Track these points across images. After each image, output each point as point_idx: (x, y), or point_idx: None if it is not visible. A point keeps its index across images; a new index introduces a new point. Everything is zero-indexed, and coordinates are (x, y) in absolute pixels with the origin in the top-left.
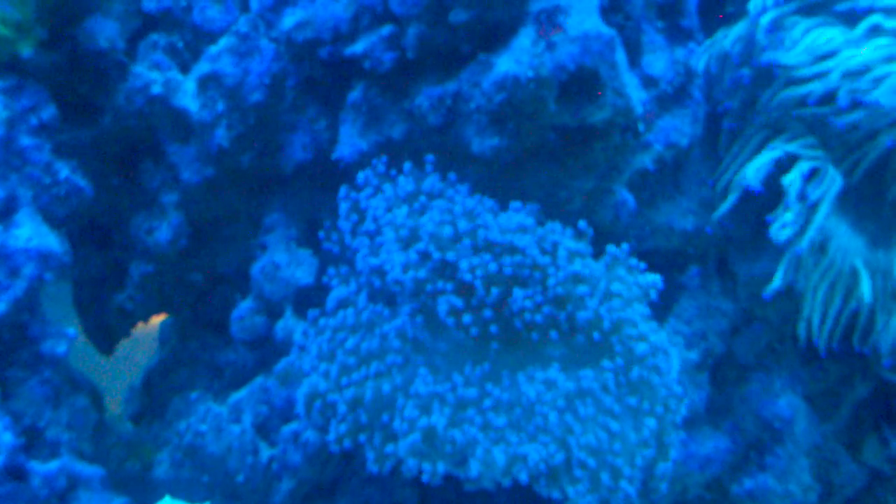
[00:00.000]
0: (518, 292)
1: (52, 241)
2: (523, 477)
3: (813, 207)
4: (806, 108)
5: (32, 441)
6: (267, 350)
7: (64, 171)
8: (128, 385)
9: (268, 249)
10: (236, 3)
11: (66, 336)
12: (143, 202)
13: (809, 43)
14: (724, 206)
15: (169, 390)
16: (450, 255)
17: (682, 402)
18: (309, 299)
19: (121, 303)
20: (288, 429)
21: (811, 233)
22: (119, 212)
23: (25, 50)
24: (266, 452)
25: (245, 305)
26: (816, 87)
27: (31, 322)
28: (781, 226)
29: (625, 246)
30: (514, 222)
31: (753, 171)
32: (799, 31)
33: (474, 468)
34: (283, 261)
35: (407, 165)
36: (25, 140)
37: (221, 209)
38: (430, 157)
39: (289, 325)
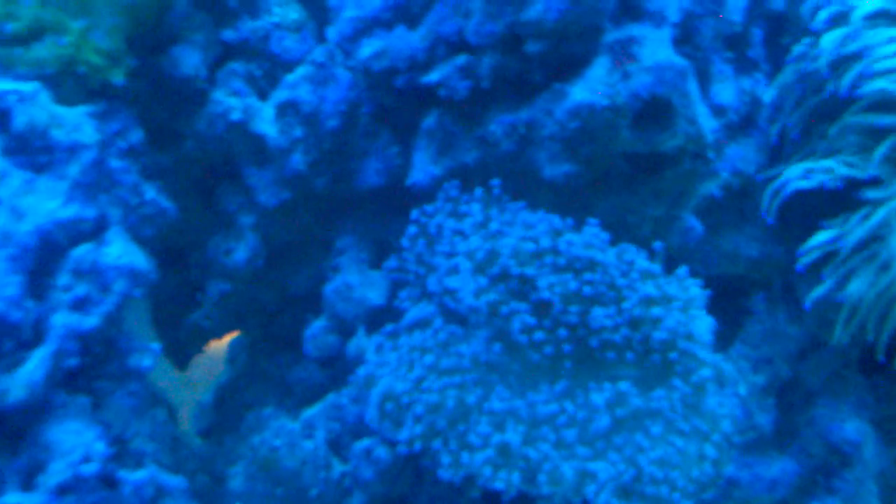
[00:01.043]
0: (598, 311)
1: (140, 258)
2: (591, 491)
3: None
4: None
5: (120, 451)
6: (337, 368)
7: (150, 192)
8: (195, 402)
9: (340, 271)
10: (312, 34)
11: (151, 350)
12: (220, 224)
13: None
14: (775, 202)
15: (241, 406)
16: (529, 271)
17: (740, 424)
18: (380, 319)
19: (197, 320)
20: (360, 445)
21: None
22: (197, 233)
23: (117, 77)
24: (338, 468)
25: (318, 324)
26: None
27: (119, 336)
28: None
29: (684, 269)
30: (595, 238)
31: (801, 170)
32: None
33: (543, 484)
34: (356, 282)
35: (478, 192)
36: (115, 162)
37: (295, 232)
38: (496, 181)
39: (361, 343)
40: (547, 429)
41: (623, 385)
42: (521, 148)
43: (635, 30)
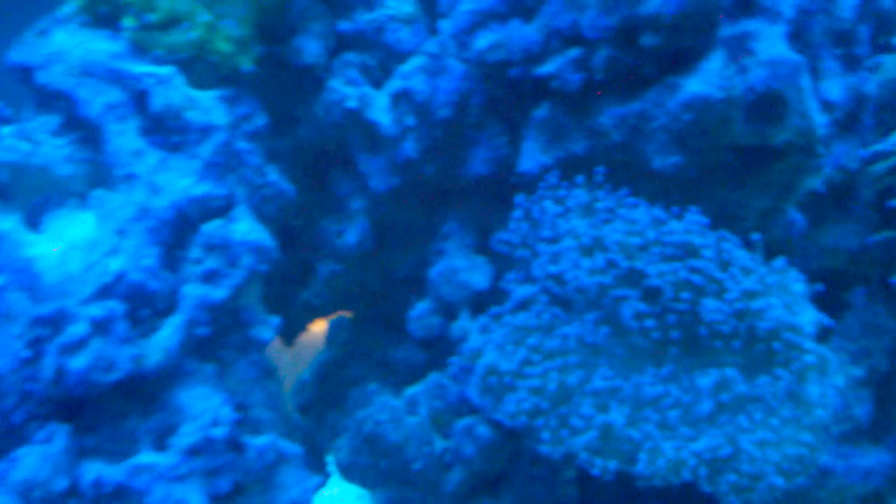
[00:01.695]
0: (708, 301)
1: (265, 236)
2: (691, 466)
3: None
4: None
5: (242, 417)
6: (438, 349)
7: (273, 174)
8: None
9: (445, 255)
10: (424, 27)
11: (271, 324)
12: (332, 207)
13: None
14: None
15: (342, 383)
16: (638, 263)
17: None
18: (483, 303)
19: (307, 299)
20: (462, 423)
21: None
22: (308, 215)
23: (245, 64)
24: (440, 444)
25: (422, 306)
26: None
27: (243, 309)
28: None
29: (782, 260)
30: (695, 226)
31: None
32: None
33: (643, 464)
34: (461, 266)
35: (580, 178)
36: (242, 144)
37: (402, 216)
38: (600, 168)
39: (464, 325)
40: (650, 410)
41: (729, 371)
42: (630, 139)
43: (750, 25)
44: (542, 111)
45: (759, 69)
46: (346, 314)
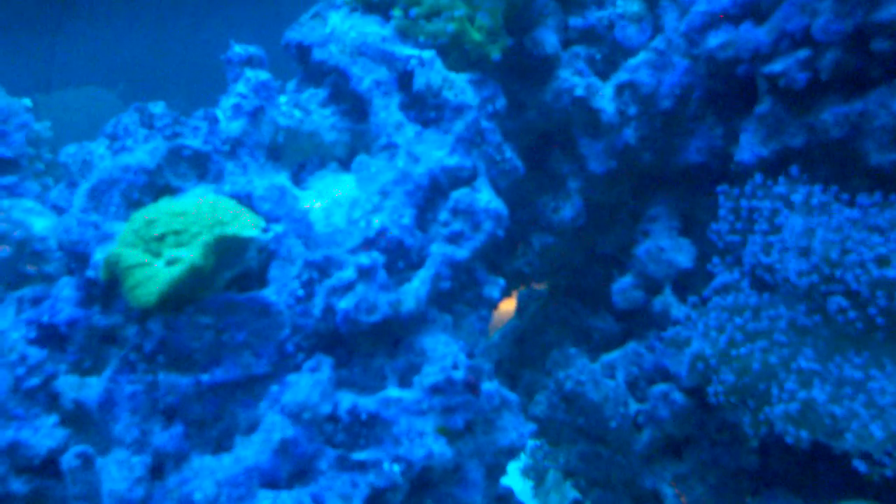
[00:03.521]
0: None
1: (502, 205)
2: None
3: None
4: None
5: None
6: (632, 321)
7: (508, 151)
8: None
9: (651, 235)
10: (650, 25)
11: (500, 284)
12: (549, 185)
13: None
14: None
15: (539, 346)
16: (838, 270)
17: None
18: (686, 281)
19: (519, 266)
20: (658, 388)
21: None
22: (527, 191)
23: (495, 53)
24: (634, 406)
25: (626, 280)
26: None
27: (477, 268)
28: None
29: None
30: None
31: None
32: None
33: (850, 440)
34: (667, 245)
35: (794, 169)
36: (485, 123)
37: (613, 197)
38: (793, 168)
39: (667, 300)
40: (852, 389)
41: None
42: (849, 136)
43: None
44: (763, 106)
45: None
46: (539, 287)
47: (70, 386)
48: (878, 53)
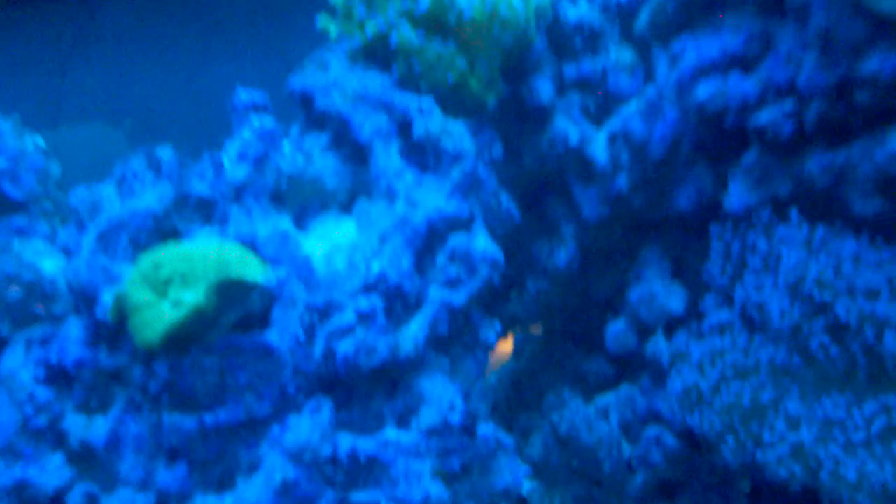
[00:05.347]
0: (889, 335)
1: (498, 251)
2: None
3: None
4: None
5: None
6: (626, 365)
7: (504, 198)
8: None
9: (643, 280)
10: (642, 74)
11: (496, 327)
12: (544, 230)
13: None
14: None
15: (535, 388)
16: (827, 296)
17: None
18: (678, 326)
19: (514, 310)
20: (651, 431)
21: None
22: (522, 236)
23: (490, 100)
24: (627, 449)
25: (619, 325)
26: None
27: (474, 312)
28: None
29: None
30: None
31: None
32: None
33: (826, 480)
34: (658, 290)
35: (793, 212)
36: (482, 170)
37: (606, 242)
38: (794, 210)
39: (659, 345)
40: (837, 430)
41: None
42: (834, 185)
43: None
44: (751, 156)
45: None
46: (535, 330)
47: (77, 425)
48: (861, 105)
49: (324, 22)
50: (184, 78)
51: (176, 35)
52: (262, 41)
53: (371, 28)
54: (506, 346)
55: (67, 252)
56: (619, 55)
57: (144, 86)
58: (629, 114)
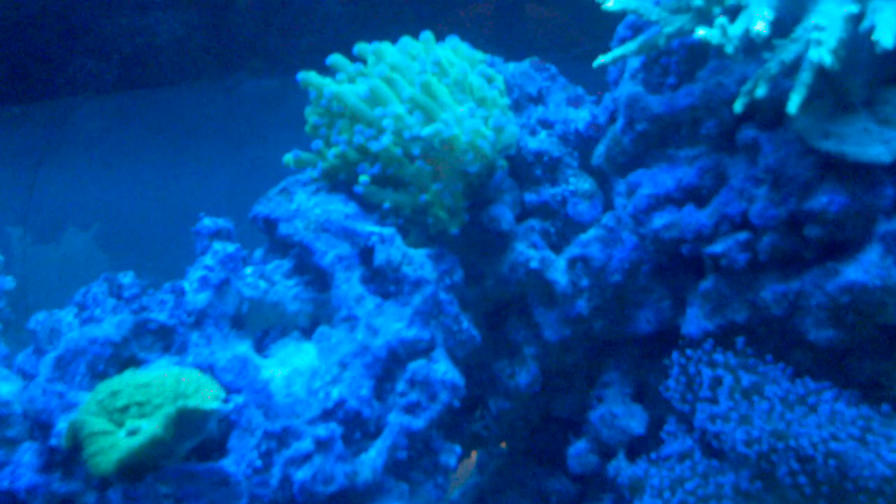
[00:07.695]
0: (854, 463)
1: (458, 376)
2: None
3: None
4: None
5: None
6: (589, 484)
7: (465, 322)
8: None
9: (604, 401)
10: (600, 202)
11: (456, 451)
12: (506, 351)
13: None
14: None
15: None
16: (792, 436)
17: None
18: (639, 447)
19: (477, 430)
20: None
21: None
22: (484, 357)
23: (454, 228)
24: None
25: (581, 445)
26: None
27: (434, 437)
28: None
29: None
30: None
31: None
32: None
33: None
34: (620, 412)
35: (740, 341)
36: (443, 295)
37: (567, 363)
38: (740, 340)
39: (621, 466)
40: None
41: None
42: (788, 313)
43: None
44: (707, 283)
45: None
46: (500, 446)
47: None
48: (811, 238)
49: (287, 158)
50: (154, 185)
51: (147, 142)
52: (233, 148)
53: (333, 153)
54: (469, 458)
55: (24, 375)
56: (578, 184)
57: (114, 191)
58: (588, 240)
